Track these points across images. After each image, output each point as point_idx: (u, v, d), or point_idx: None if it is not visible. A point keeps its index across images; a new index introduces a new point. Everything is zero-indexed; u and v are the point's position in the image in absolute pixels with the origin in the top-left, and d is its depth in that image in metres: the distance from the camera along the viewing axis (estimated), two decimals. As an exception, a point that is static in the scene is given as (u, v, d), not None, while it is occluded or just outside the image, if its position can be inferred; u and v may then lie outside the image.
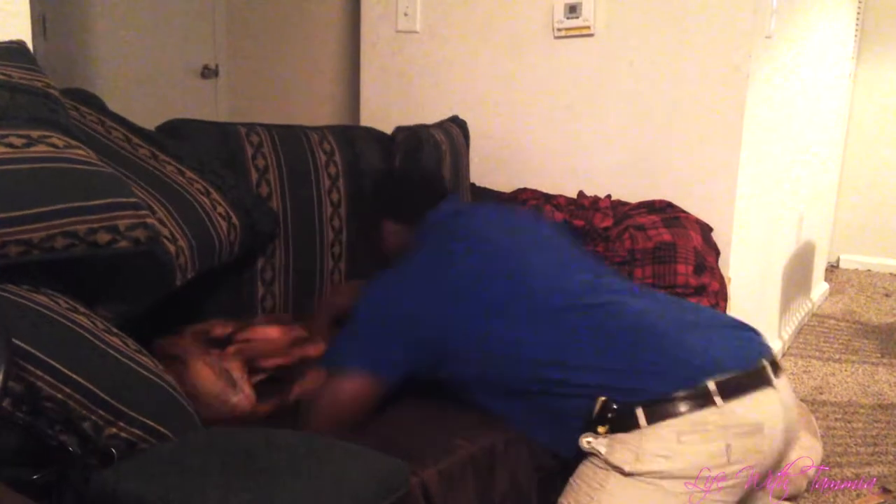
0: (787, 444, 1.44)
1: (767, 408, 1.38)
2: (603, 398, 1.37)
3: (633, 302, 1.50)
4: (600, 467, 1.37)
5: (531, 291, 1.49)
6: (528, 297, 1.48)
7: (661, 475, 1.32)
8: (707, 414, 1.32)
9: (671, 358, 1.39)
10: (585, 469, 1.40)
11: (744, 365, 1.39)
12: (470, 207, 1.76)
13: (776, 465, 1.46)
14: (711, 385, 1.33)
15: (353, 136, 2.10)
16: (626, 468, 1.33)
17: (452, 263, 1.52)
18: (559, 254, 1.62)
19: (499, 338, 1.45)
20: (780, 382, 1.42)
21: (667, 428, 1.33)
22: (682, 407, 1.33)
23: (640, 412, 1.34)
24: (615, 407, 1.35)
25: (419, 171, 2.12)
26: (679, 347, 1.40)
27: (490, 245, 1.57)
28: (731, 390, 1.34)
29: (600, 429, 1.36)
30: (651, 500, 1.33)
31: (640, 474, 1.33)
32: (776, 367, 1.44)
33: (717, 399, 1.33)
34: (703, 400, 1.33)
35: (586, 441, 1.37)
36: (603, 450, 1.36)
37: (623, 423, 1.35)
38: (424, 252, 1.57)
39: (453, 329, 1.46)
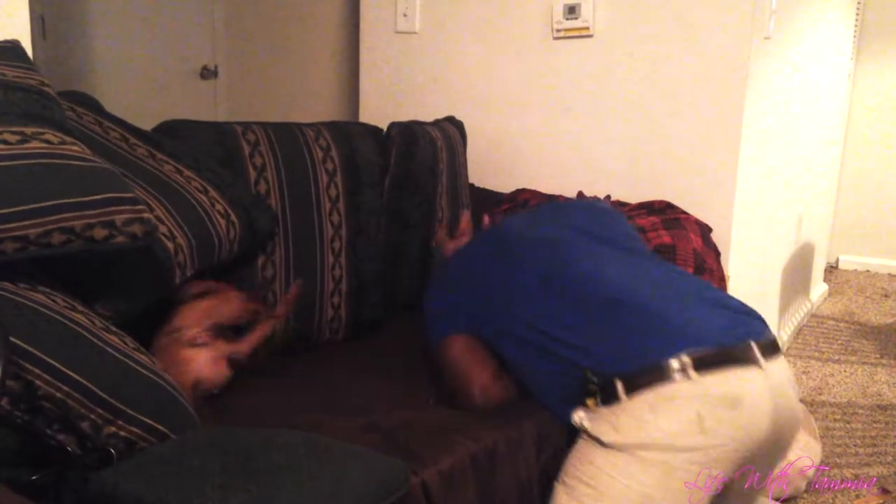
0: (781, 429, 1.43)
1: (747, 384, 1.38)
2: (586, 370, 1.41)
3: (621, 277, 1.54)
4: (586, 441, 1.41)
5: (529, 272, 1.59)
6: (523, 277, 1.58)
7: (637, 446, 1.35)
8: (679, 386, 1.35)
9: (649, 331, 1.42)
10: (577, 446, 1.44)
11: (723, 341, 1.40)
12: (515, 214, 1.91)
13: (771, 452, 1.47)
14: (685, 357, 1.35)
15: (348, 132, 2.10)
16: (605, 439, 1.37)
17: (471, 264, 1.73)
18: (573, 237, 1.68)
19: (499, 313, 1.59)
20: (773, 365, 1.43)
21: (640, 399, 1.36)
22: (656, 378, 1.35)
23: (618, 384, 1.37)
24: (595, 379, 1.39)
25: None
26: (658, 321, 1.43)
27: (504, 239, 1.72)
28: (706, 364, 1.36)
29: (589, 401, 1.40)
30: (630, 470, 1.35)
31: (618, 445, 1.36)
32: (771, 350, 1.45)
33: (691, 372, 1.35)
34: (676, 372, 1.35)
35: (577, 417, 1.42)
36: (588, 425, 1.40)
37: (605, 396, 1.38)
38: (461, 253, 1.82)
39: (477, 312, 1.63)
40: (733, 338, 1.42)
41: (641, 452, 1.34)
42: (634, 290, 1.49)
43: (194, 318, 1.55)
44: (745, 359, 1.40)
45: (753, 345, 1.42)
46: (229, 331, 1.61)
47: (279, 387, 1.68)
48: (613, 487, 1.35)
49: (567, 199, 1.93)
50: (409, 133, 2.16)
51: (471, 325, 1.63)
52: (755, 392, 1.38)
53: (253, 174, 1.85)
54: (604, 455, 1.37)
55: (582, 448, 1.42)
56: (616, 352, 1.41)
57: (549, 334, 1.47)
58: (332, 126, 2.09)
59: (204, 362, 1.53)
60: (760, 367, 1.40)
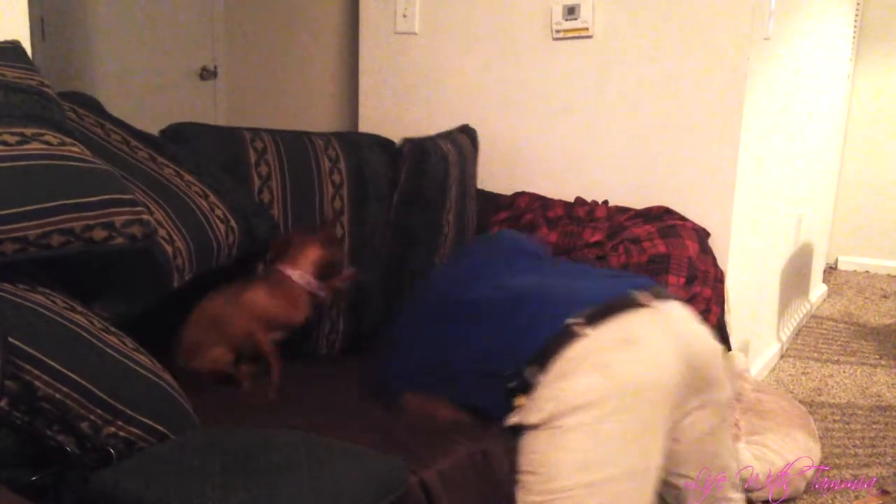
0: (696, 358, 1.47)
1: (639, 322, 1.45)
2: (500, 370, 1.44)
3: (513, 280, 1.60)
4: (523, 436, 1.43)
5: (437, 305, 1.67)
6: (436, 308, 1.66)
7: (558, 415, 1.37)
8: (577, 345, 1.39)
9: (543, 312, 1.47)
10: (519, 447, 1.46)
11: (609, 297, 1.47)
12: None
13: (703, 384, 1.49)
14: (576, 319, 1.41)
15: (358, 143, 2.09)
16: (532, 421, 1.40)
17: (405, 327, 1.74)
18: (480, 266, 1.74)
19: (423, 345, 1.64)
20: (666, 305, 1.50)
21: (552, 373, 1.39)
22: (557, 346, 1.39)
23: (530, 370, 1.40)
24: (509, 373, 1.43)
25: None
26: (548, 303, 1.49)
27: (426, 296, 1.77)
28: (596, 317, 1.42)
29: (518, 401, 1.43)
30: (561, 443, 1.37)
31: (541, 424, 1.39)
32: (660, 296, 1.52)
33: (585, 329, 1.40)
34: (571, 336, 1.40)
35: (509, 420, 1.44)
36: (518, 419, 1.43)
37: (525, 387, 1.42)
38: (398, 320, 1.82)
39: (420, 369, 1.63)
40: (618, 292, 1.50)
41: (565, 421, 1.37)
42: (527, 287, 1.56)
43: (308, 265, 1.77)
44: (633, 304, 1.47)
45: (639, 293, 1.49)
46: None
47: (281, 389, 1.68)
48: (553, 465, 1.38)
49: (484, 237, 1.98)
50: (420, 151, 2.12)
51: (416, 384, 1.62)
52: (650, 328, 1.45)
53: (257, 182, 1.85)
54: (537, 439, 1.40)
55: (522, 445, 1.44)
56: (520, 341, 1.45)
57: (477, 360, 1.50)
58: (341, 137, 2.09)
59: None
60: (650, 306, 1.47)
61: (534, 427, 1.40)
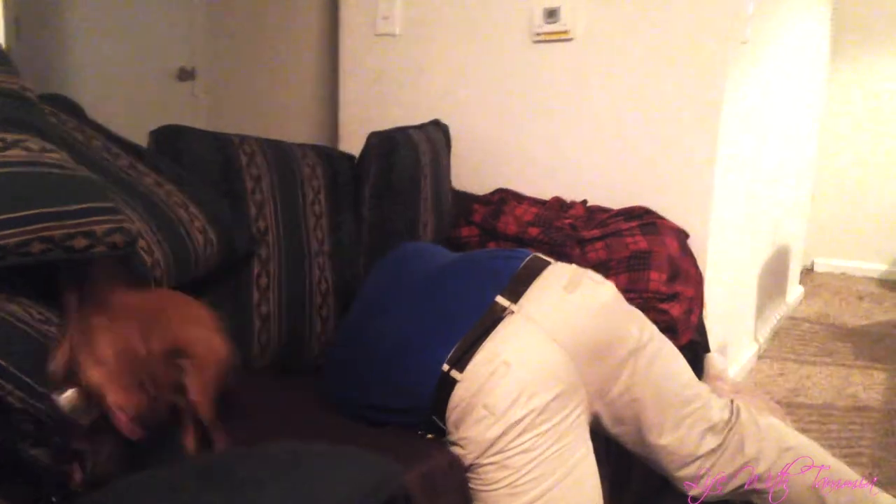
0: (582, 344, 1.43)
1: (504, 339, 1.39)
2: (407, 410, 1.44)
3: (383, 326, 1.53)
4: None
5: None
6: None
7: (470, 460, 1.38)
8: (457, 394, 1.37)
9: (419, 361, 1.43)
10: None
11: (466, 329, 1.41)
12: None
13: (610, 347, 1.47)
14: (446, 367, 1.38)
15: (330, 154, 2.15)
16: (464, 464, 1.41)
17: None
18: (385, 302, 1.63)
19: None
20: (527, 301, 1.44)
21: (449, 423, 1.39)
22: (444, 398, 1.38)
23: (433, 418, 1.41)
24: (417, 418, 1.43)
25: None
26: (424, 348, 1.43)
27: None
28: (464, 358, 1.38)
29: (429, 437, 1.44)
30: (483, 480, 1.38)
31: (468, 468, 1.40)
32: (523, 281, 1.47)
33: (454, 374, 1.37)
34: (450, 383, 1.37)
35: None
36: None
37: (437, 433, 1.43)
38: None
39: None
40: (479, 313, 1.43)
41: (480, 461, 1.37)
42: (404, 332, 1.49)
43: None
44: (495, 320, 1.41)
45: (498, 299, 1.44)
46: None
47: (260, 396, 1.67)
48: (487, 501, 1.38)
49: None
50: (388, 142, 2.16)
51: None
52: (516, 340, 1.40)
53: (250, 185, 1.88)
54: (470, 478, 1.40)
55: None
56: (411, 390, 1.43)
57: (385, 400, 1.48)
58: (314, 147, 2.13)
59: None
60: (511, 311, 1.42)
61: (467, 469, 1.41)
